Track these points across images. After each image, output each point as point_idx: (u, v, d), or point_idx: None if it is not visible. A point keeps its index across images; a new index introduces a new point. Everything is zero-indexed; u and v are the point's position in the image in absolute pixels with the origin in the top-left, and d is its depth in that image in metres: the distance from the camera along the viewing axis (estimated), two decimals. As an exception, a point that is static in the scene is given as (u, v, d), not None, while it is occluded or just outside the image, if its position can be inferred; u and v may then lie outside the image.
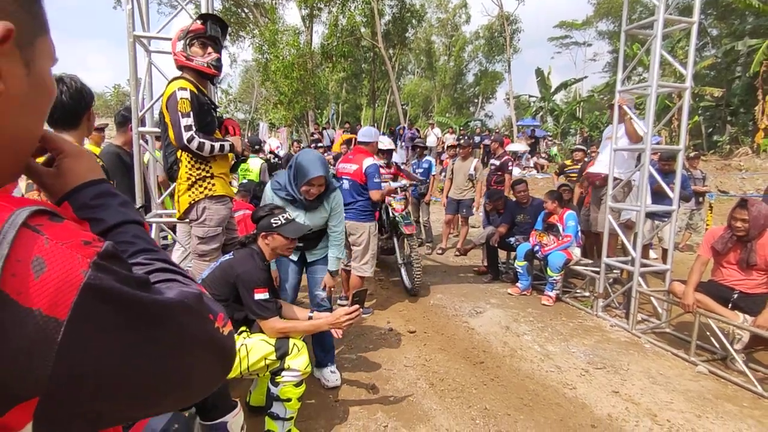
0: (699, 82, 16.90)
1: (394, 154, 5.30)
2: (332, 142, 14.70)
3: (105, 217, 0.57)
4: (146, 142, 3.42)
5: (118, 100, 31.05)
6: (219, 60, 2.62)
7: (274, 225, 2.30)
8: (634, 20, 4.29)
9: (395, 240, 4.83)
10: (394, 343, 3.54)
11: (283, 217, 2.33)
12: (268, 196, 2.82)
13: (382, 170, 4.50)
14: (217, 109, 2.81)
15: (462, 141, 7.49)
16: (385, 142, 5.03)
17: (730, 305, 3.27)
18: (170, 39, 3.36)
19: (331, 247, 2.90)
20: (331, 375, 2.89)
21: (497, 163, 6.61)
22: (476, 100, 36.27)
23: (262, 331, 2.21)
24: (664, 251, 5.09)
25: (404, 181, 4.99)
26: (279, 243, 2.32)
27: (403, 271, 4.79)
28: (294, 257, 2.89)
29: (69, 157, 0.60)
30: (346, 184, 3.96)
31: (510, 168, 6.56)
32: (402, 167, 5.76)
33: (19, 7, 0.45)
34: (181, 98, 2.42)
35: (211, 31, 2.55)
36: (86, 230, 0.47)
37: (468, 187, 6.42)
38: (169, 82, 2.57)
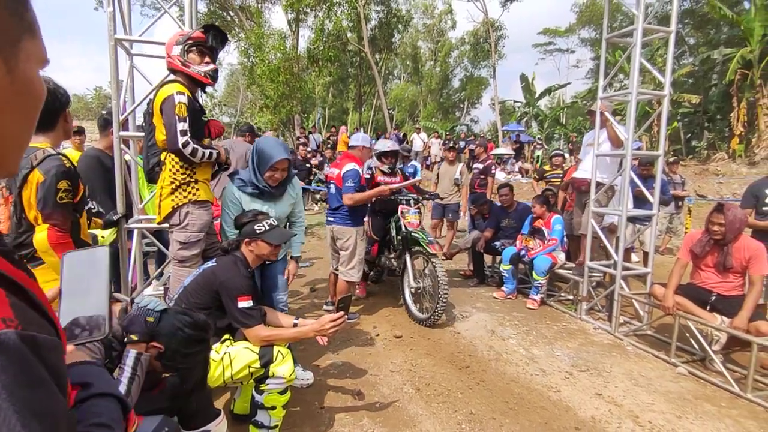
0: (677, 89, 17.34)
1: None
2: (318, 146, 14.70)
3: (94, 382, 0.69)
4: (128, 146, 3.36)
5: (99, 102, 30.51)
6: (216, 71, 2.64)
7: (258, 231, 2.28)
8: (615, 28, 4.37)
9: (408, 259, 4.15)
10: (380, 349, 3.53)
11: (266, 223, 2.31)
12: (234, 195, 2.72)
13: (386, 179, 4.24)
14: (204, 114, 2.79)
15: (452, 143, 7.56)
16: (388, 144, 4.31)
17: (708, 307, 3.35)
18: (153, 42, 3.33)
19: (295, 233, 2.92)
20: (302, 374, 2.85)
21: (481, 166, 6.71)
22: (462, 105, 36.65)
23: (245, 339, 2.18)
24: (646, 254, 5.19)
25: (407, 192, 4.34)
26: (263, 249, 2.30)
27: (408, 296, 4.17)
28: None
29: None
30: (332, 189, 3.96)
31: (493, 171, 6.65)
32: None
33: (2, 8, 0.44)
34: (178, 102, 2.40)
35: (213, 42, 2.57)
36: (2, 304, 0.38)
37: (453, 191, 6.49)
38: (164, 84, 2.54)
